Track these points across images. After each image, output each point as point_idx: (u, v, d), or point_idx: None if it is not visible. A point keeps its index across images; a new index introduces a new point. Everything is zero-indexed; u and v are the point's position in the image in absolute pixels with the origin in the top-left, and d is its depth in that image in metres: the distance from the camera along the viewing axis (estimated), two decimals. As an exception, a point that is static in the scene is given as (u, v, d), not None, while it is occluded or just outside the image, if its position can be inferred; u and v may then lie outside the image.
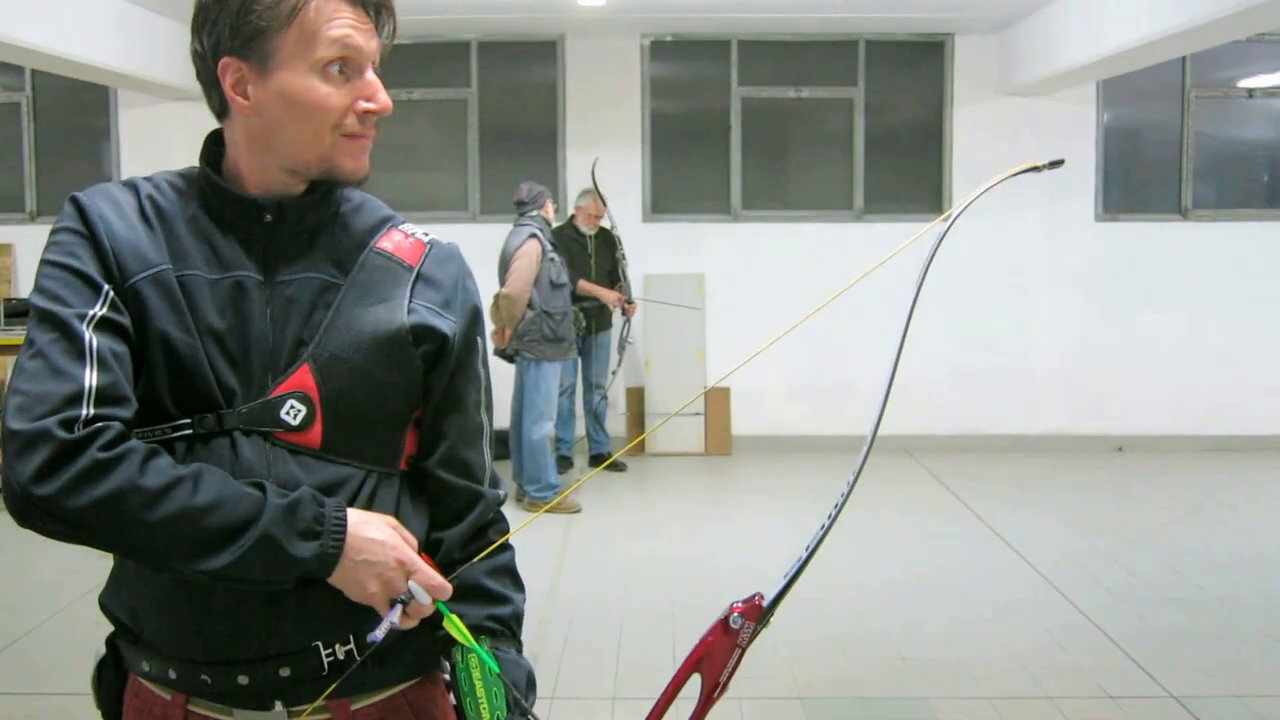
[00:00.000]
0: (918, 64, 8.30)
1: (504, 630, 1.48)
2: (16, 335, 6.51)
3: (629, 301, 7.34)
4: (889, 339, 1.50)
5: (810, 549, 1.39)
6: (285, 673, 1.34)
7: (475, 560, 1.45)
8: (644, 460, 7.87)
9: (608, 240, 7.36)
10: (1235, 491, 7.04)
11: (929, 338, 7.83)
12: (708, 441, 8.08)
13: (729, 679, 1.35)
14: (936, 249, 1.40)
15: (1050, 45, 7.18)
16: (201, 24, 1.33)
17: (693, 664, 1.35)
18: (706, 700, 1.34)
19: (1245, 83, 8.27)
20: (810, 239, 8.21)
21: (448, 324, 1.41)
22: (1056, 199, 8.08)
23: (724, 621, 1.35)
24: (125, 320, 1.28)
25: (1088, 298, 8.19)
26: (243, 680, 1.33)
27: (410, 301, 1.39)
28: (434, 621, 1.36)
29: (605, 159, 7.52)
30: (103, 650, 1.45)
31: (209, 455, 1.30)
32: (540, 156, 8.27)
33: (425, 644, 1.45)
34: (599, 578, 5.35)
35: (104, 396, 1.23)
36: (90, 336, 1.24)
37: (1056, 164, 1.44)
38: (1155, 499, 6.87)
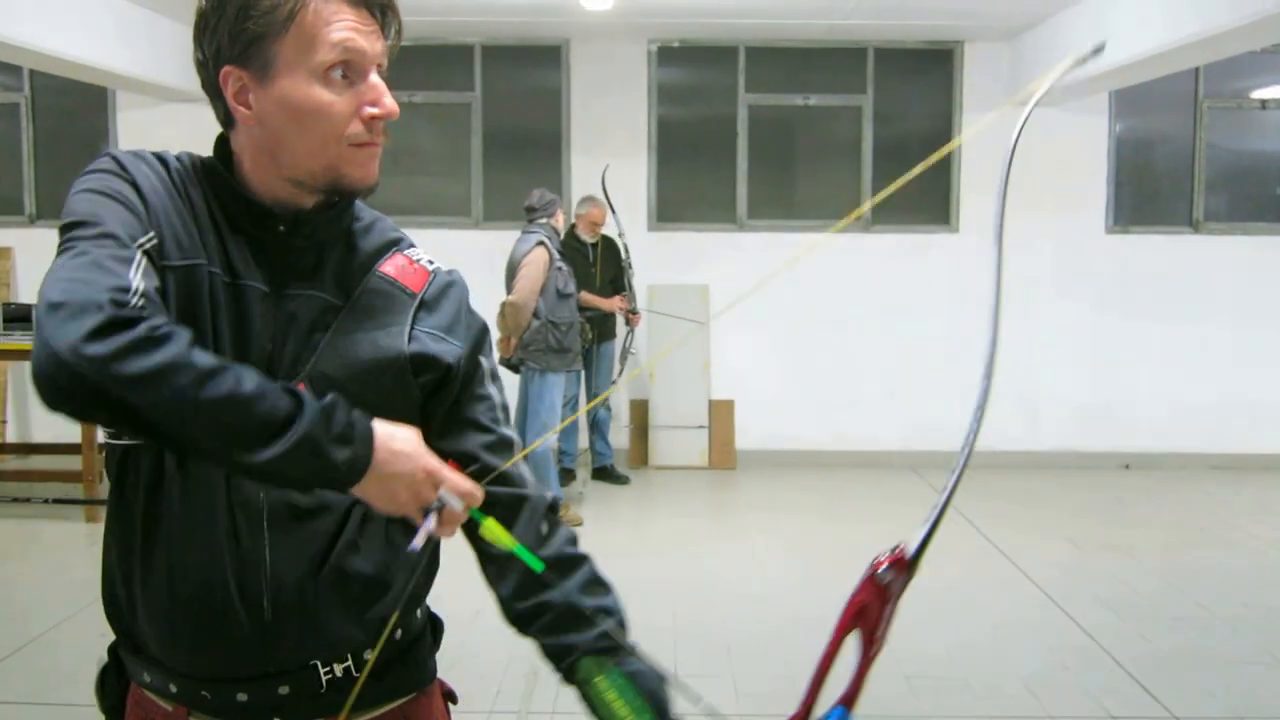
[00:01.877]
0: (927, 72, 8.22)
1: (618, 644, 1.41)
2: (15, 340, 6.40)
3: (634, 311, 7.25)
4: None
5: (949, 492, 1.37)
6: (284, 690, 1.34)
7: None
8: (647, 474, 7.80)
9: (611, 248, 7.29)
10: (1242, 510, 6.95)
11: (934, 351, 7.77)
12: (711, 455, 8.00)
13: (885, 633, 1.31)
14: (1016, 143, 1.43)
15: (1061, 54, 7.05)
16: (202, 32, 1.30)
17: (848, 623, 1.31)
18: (867, 658, 1.32)
19: (1258, 94, 8.19)
20: (817, 249, 8.12)
21: (451, 350, 1.38)
22: (1066, 211, 8.00)
23: (871, 577, 1.31)
24: (158, 271, 1.23)
25: (1097, 311, 8.10)
26: (242, 697, 1.33)
27: (412, 329, 1.36)
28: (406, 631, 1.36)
29: (610, 166, 7.45)
30: (105, 658, 1.44)
31: (203, 464, 1.28)
32: (545, 162, 8.21)
33: (423, 659, 1.47)
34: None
35: (151, 300, 1.15)
36: (138, 253, 1.18)
37: (1099, 50, 1.52)
38: (1161, 517, 6.80)
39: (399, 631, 1.42)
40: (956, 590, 5.30)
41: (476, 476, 1.33)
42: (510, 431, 1.45)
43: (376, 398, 1.32)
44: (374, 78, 1.30)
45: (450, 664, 1.57)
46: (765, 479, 7.70)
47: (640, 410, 8.10)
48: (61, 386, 1.07)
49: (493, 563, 1.42)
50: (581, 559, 1.46)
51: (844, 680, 1.31)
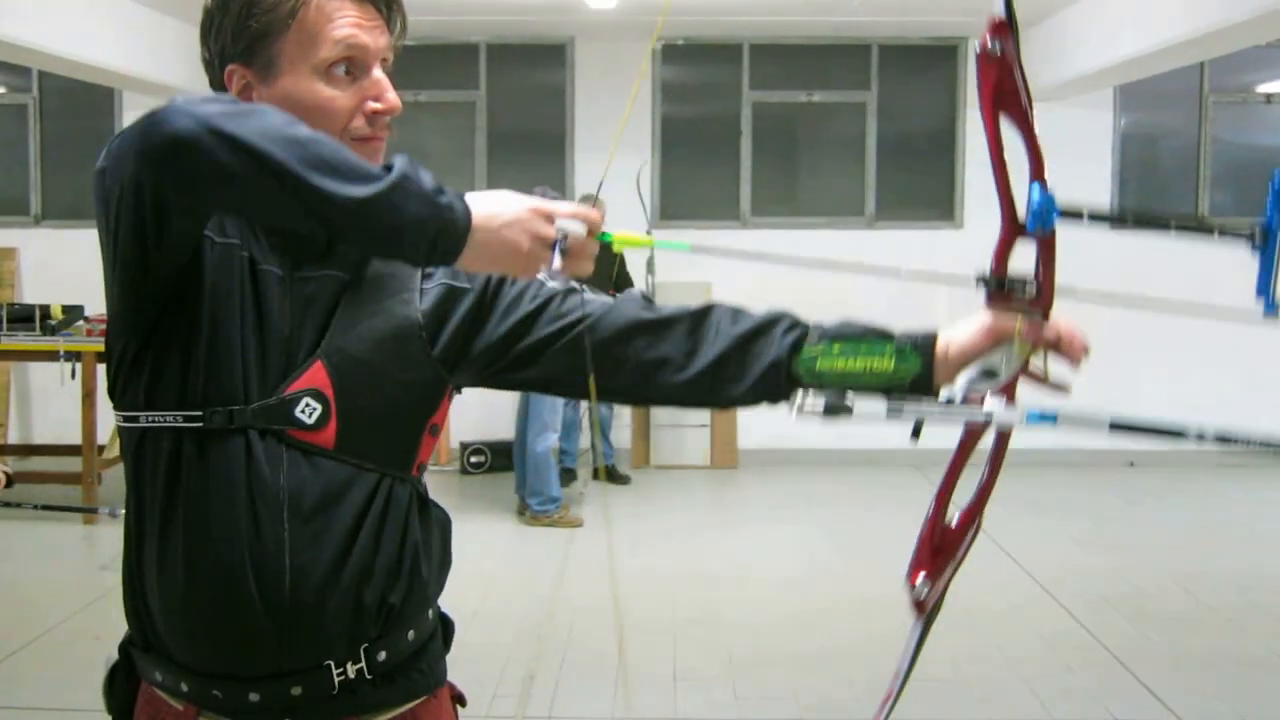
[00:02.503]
0: (931, 68, 8.21)
1: (805, 326, 1.43)
2: (18, 341, 6.39)
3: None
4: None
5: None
6: (296, 691, 1.32)
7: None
8: (648, 473, 7.78)
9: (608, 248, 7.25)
10: (1247, 509, 6.93)
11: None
12: (713, 455, 7.98)
13: (1036, 144, 1.28)
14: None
15: (1066, 50, 7.08)
16: (208, 31, 1.32)
17: (1002, 262, 1.30)
18: (1049, 264, 1.33)
19: (1263, 88, 8.16)
20: (821, 247, 8.10)
21: (462, 283, 1.40)
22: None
23: (983, 54, 1.26)
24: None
25: (1100, 307, 8.01)
26: (254, 698, 1.32)
27: (421, 287, 1.37)
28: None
29: (612, 165, 7.43)
30: (115, 656, 1.43)
31: (222, 452, 1.27)
32: (549, 161, 8.21)
33: (434, 661, 1.45)
34: (600, 593, 5.27)
35: None
36: None
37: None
38: (1165, 516, 6.77)
39: (410, 633, 1.40)
40: (957, 590, 5.27)
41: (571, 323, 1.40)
42: (571, 283, 1.43)
43: (396, 369, 1.34)
44: (377, 72, 1.31)
45: (447, 665, 1.55)
46: (767, 478, 7.68)
47: (642, 409, 8.08)
48: (183, 129, 1.11)
49: (636, 374, 1.44)
50: (710, 306, 1.46)
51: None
